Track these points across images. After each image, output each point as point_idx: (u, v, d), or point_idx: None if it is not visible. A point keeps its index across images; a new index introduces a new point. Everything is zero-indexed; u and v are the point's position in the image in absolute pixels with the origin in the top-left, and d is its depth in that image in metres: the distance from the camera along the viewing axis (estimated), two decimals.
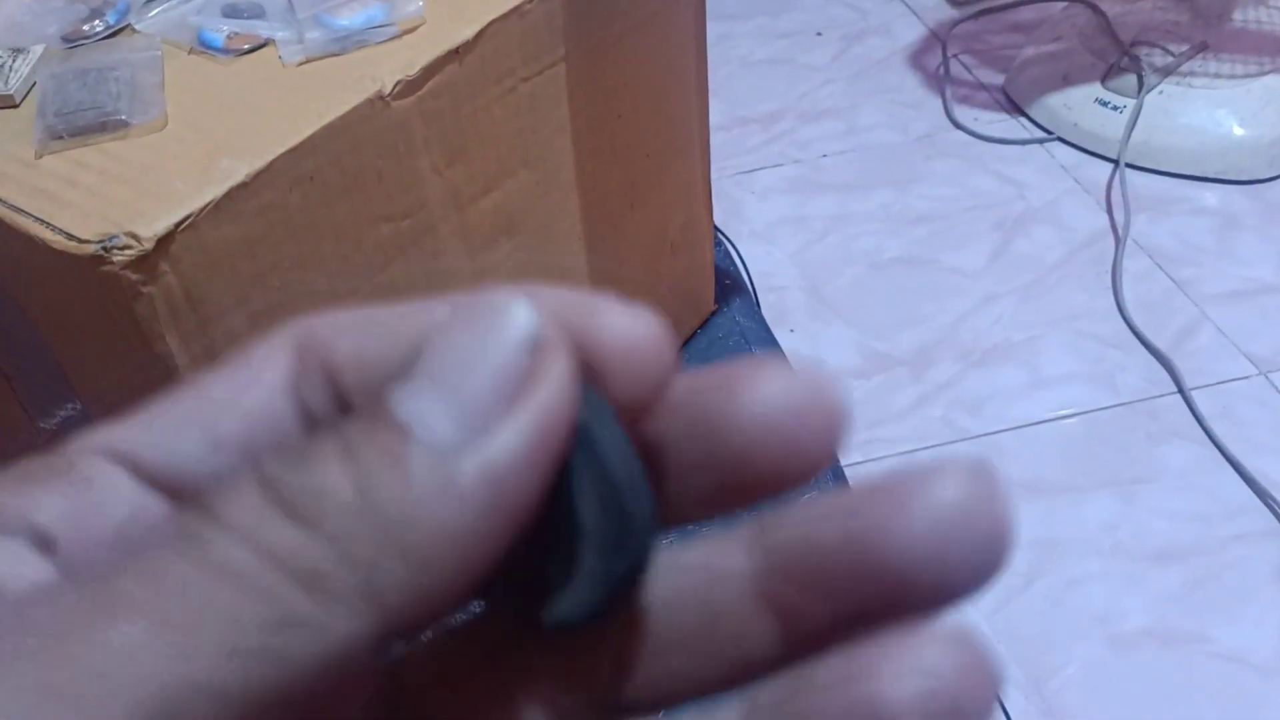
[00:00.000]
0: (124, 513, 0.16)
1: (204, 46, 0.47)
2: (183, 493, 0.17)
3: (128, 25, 0.49)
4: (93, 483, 0.16)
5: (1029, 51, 1.04)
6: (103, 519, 0.16)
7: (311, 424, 0.17)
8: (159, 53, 0.47)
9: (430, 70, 0.47)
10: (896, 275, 0.93)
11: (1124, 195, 0.90)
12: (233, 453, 0.17)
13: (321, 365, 0.17)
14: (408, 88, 0.46)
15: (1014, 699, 0.59)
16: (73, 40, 0.48)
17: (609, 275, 0.64)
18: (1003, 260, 0.91)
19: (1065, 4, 1.19)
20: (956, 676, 0.15)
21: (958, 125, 0.99)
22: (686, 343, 0.74)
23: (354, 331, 0.17)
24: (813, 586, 0.16)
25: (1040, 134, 0.99)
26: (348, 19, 0.47)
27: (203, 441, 0.17)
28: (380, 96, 0.45)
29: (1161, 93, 0.95)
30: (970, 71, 1.05)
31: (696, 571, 0.17)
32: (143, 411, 0.17)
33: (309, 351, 0.17)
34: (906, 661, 0.15)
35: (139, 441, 0.17)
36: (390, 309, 0.17)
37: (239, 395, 0.17)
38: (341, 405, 0.17)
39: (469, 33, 0.48)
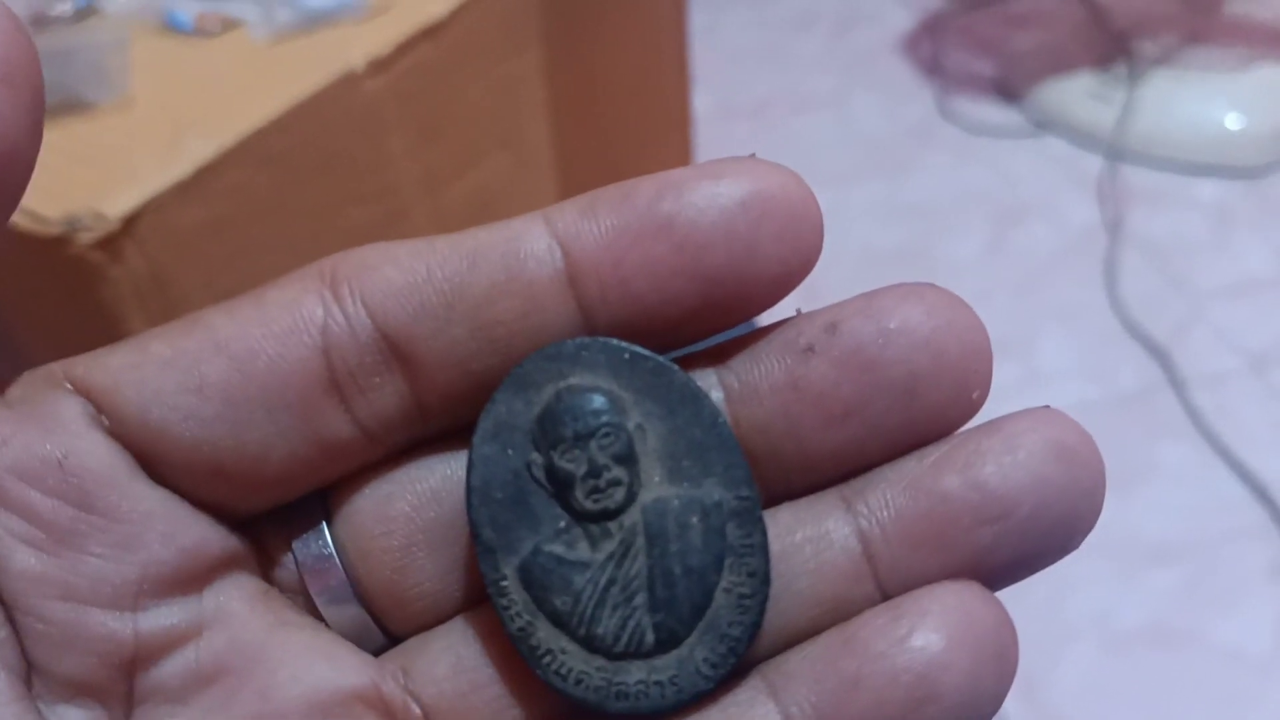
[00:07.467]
0: (60, 452, 0.15)
1: (173, 27, 0.46)
2: (141, 445, 0.16)
3: (93, 5, 0.48)
4: (37, 412, 0.15)
5: (1021, 43, 1.04)
6: (34, 450, 0.15)
7: (334, 370, 0.16)
8: (126, 34, 0.46)
9: (403, 49, 0.46)
10: (891, 268, 0.92)
11: (1118, 188, 0.89)
12: (217, 401, 0.16)
13: (362, 300, 0.16)
14: (379, 67, 0.46)
15: (1007, 700, 0.58)
16: (40, 23, 0.48)
17: None
18: (997, 254, 0.90)
19: None
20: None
21: (950, 117, 0.98)
22: None
23: (393, 265, 0.16)
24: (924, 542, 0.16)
25: (1033, 126, 0.98)
26: None
27: (185, 385, 0.16)
28: (351, 76, 0.45)
29: (1154, 84, 0.94)
30: (962, 63, 1.04)
31: (805, 544, 0.17)
32: (133, 343, 0.16)
33: (343, 286, 0.16)
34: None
35: (114, 377, 0.16)
36: (429, 241, 0.16)
37: (244, 336, 0.16)
38: (381, 343, 0.16)
39: (443, 11, 0.47)
